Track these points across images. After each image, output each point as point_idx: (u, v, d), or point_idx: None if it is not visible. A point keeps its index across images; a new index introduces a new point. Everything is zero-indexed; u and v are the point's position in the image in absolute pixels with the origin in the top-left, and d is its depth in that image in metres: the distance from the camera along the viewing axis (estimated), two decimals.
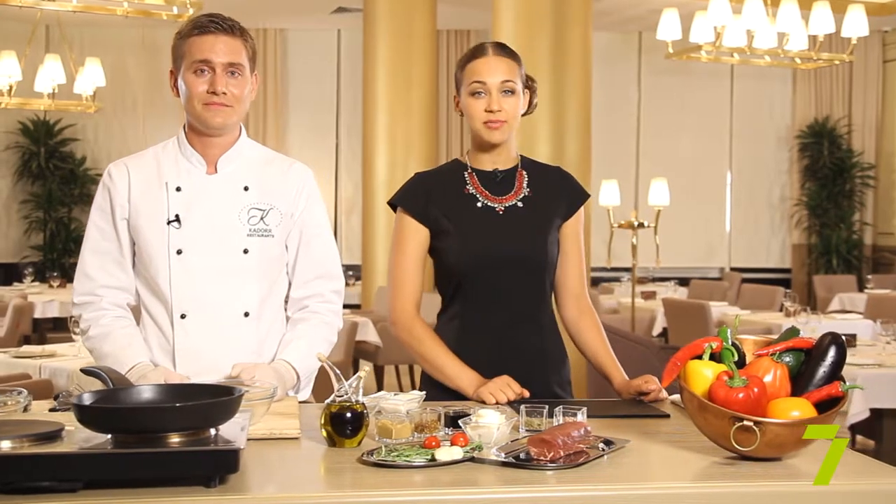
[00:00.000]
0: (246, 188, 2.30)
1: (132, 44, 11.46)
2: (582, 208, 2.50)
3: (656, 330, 7.98)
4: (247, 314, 2.27)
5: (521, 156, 2.50)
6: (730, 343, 1.78)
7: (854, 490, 1.60)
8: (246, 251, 2.26)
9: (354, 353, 7.33)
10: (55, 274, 9.45)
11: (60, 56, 9.28)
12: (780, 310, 7.75)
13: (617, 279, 10.28)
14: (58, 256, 11.01)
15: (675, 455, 1.79)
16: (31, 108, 9.85)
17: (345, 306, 7.99)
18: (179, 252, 2.24)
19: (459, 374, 2.33)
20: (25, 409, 1.87)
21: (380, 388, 7.35)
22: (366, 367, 1.87)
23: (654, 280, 10.46)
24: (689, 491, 1.59)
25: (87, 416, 1.51)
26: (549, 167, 2.54)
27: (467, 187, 2.43)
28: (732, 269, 11.80)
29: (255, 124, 11.58)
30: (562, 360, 2.48)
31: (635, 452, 1.80)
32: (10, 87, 8.90)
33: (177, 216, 2.25)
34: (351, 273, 10.26)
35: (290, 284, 2.38)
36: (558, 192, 2.47)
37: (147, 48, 11.43)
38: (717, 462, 1.72)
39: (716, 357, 1.78)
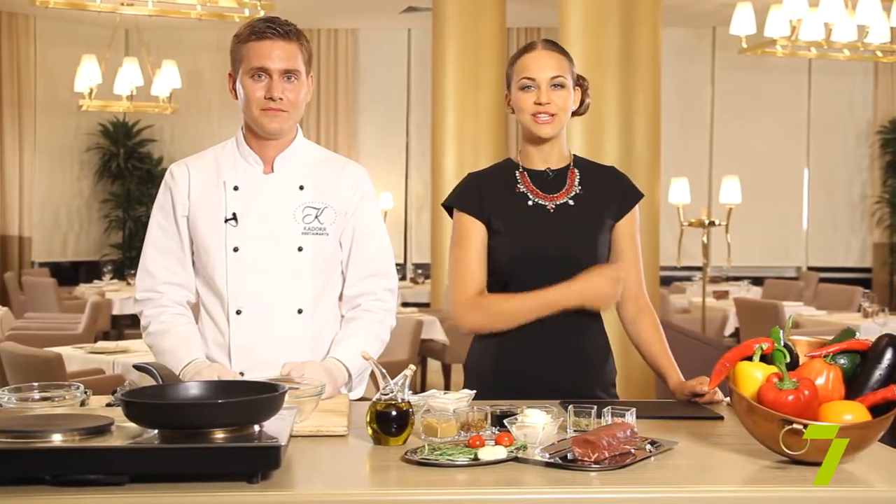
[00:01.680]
0: (301, 187, 2.33)
1: (207, 46, 11.68)
2: (637, 208, 2.47)
3: (728, 330, 7.84)
4: (300, 311, 2.30)
5: (575, 155, 2.48)
6: (782, 344, 1.73)
7: None
8: (300, 249, 2.30)
9: (422, 352, 7.37)
10: (133, 272, 9.68)
11: (138, 59, 9.53)
12: (858, 310, 7.55)
13: (689, 278, 10.13)
14: (136, 254, 11.26)
15: (725, 458, 1.75)
16: (110, 110, 10.14)
17: (414, 304, 8.02)
18: (236, 249, 2.28)
19: (555, 291, 2.31)
20: (83, 404, 1.91)
21: (447, 386, 7.37)
22: (412, 366, 1.87)
23: (728, 279, 10.28)
24: (735, 494, 1.56)
25: (134, 411, 1.54)
26: (603, 167, 2.51)
27: (518, 186, 2.42)
28: (810, 269, 11.53)
29: (327, 123, 11.71)
30: (604, 362, 2.44)
31: (683, 454, 1.77)
32: (91, 90, 9.16)
33: (234, 214, 2.29)
34: (420, 272, 10.31)
35: (343, 282, 2.40)
36: (610, 192, 2.44)
37: (222, 50, 11.54)
38: (767, 466, 1.68)
39: (768, 358, 1.74)
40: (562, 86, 2.36)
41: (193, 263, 2.35)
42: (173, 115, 10.72)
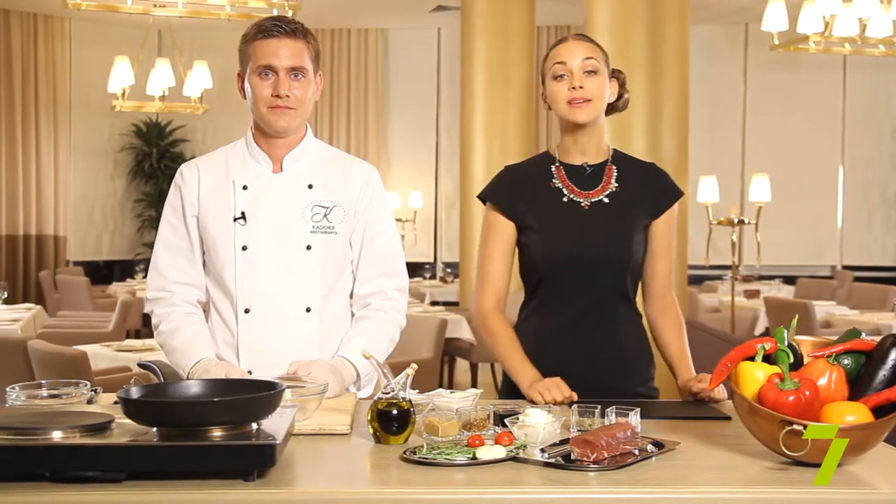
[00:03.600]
0: (310, 186, 2.34)
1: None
2: (675, 207, 2.41)
3: (758, 330, 7.76)
4: (308, 310, 2.31)
5: (615, 150, 2.42)
6: (785, 344, 1.71)
7: None
8: (309, 248, 2.30)
9: (449, 351, 7.36)
10: None
11: (170, 60, 9.62)
12: (892, 310, 7.46)
13: (720, 277, 10.04)
14: None
15: (727, 459, 1.73)
16: (143, 110, 10.25)
17: (443, 303, 8.03)
18: (245, 248, 2.30)
19: (520, 369, 2.31)
20: (90, 402, 1.94)
21: (474, 385, 7.36)
22: (413, 365, 1.87)
23: (761, 278, 10.19)
24: (732, 496, 1.54)
25: (132, 409, 1.56)
26: (642, 163, 2.45)
27: (554, 181, 2.39)
28: (844, 267, 11.38)
29: (357, 122, 11.74)
30: (643, 361, 2.41)
31: (685, 455, 1.75)
32: (124, 90, 9.26)
33: (243, 213, 2.31)
34: (449, 270, 10.31)
35: (354, 281, 2.41)
36: (648, 189, 2.39)
37: None
38: (769, 467, 1.66)
39: (772, 359, 1.72)
40: (595, 71, 2.31)
41: (204, 263, 2.37)
42: (205, 115, 10.80)
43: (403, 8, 10.95)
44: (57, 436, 1.53)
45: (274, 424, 1.62)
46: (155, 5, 7.62)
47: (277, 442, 1.52)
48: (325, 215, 2.33)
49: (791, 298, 8.24)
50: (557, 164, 2.40)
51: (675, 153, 6.50)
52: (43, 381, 1.92)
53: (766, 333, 7.77)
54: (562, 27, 11.53)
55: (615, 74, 2.41)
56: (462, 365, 8.43)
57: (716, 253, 8.58)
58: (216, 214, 2.32)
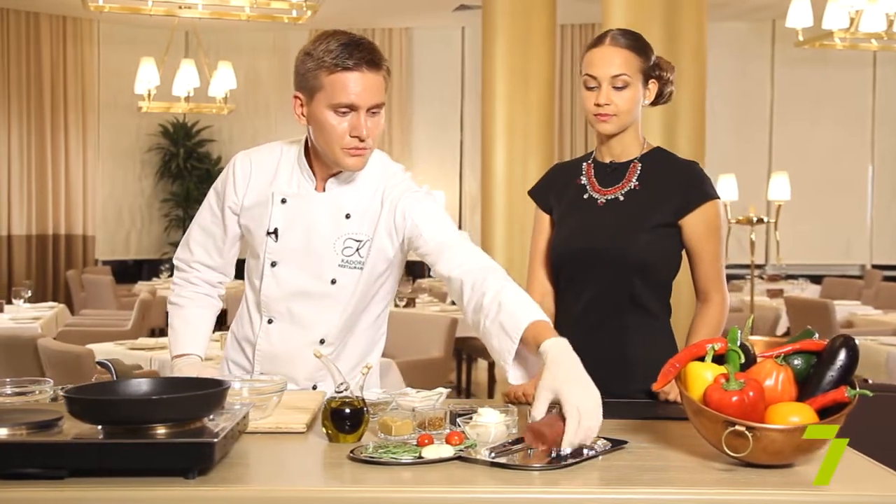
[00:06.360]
0: (347, 216, 2.23)
1: (263, 47, 11.85)
2: (709, 209, 2.30)
3: (780, 329, 7.68)
4: (322, 342, 2.27)
5: (656, 148, 2.37)
6: (737, 344, 1.70)
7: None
8: (333, 282, 2.24)
9: (467, 350, 7.36)
10: None
11: (195, 61, 9.70)
12: None
13: (744, 276, 9.94)
14: None
15: (676, 459, 1.72)
16: (170, 111, 10.36)
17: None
18: (273, 265, 2.26)
19: None
20: (55, 399, 1.97)
21: (490, 385, 7.35)
22: (369, 363, 1.88)
23: (788, 277, 10.07)
24: (672, 497, 1.53)
25: (76, 407, 1.57)
26: (679, 163, 2.37)
27: (581, 178, 2.40)
28: (874, 267, 11.21)
29: None
30: (648, 362, 2.25)
31: (634, 455, 1.74)
32: (150, 92, 9.37)
33: (276, 230, 2.25)
34: None
35: (430, 267, 2.22)
36: (674, 189, 2.30)
37: (278, 51, 11.79)
38: (716, 468, 1.64)
39: (722, 359, 1.70)
40: (625, 85, 2.27)
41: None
42: (231, 116, 10.89)
43: (427, 7, 10.96)
44: (2, 433, 1.56)
45: (221, 422, 1.64)
46: (180, 7, 7.70)
47: (216, 440, 1.53)
48: (357, 249, 2.23)
49: (813, 298, 8.13)
50: (590, 161, 2.42)
51: (692, 152, 6.43)
52: (8, 379, 1.96)
53: (787, 334, 7.69)
54: (585, 25, 11.48)
55: (656, 74, 2.33)
56: (482, 364, 8.43)
57: (742, 252, 8.48)
58: (253, 222, 2.28)
